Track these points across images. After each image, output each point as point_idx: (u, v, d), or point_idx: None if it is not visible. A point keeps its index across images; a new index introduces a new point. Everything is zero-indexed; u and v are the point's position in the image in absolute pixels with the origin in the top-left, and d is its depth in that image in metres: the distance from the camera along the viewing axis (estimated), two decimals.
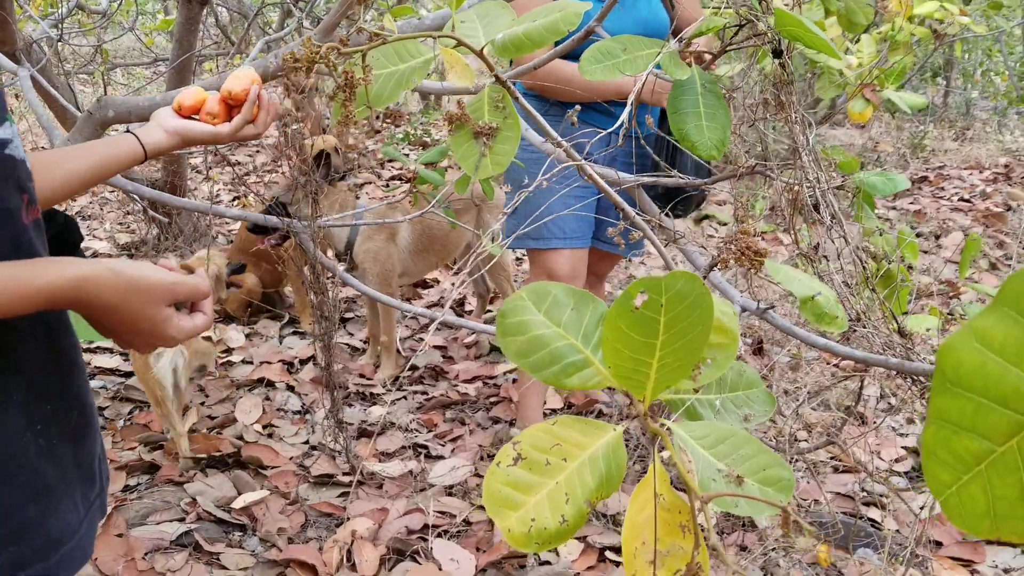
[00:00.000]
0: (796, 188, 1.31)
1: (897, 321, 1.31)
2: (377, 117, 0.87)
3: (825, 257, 1.30)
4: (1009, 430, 0.41)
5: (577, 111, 1.01)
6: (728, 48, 1.25)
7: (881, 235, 1.35)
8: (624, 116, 1.09)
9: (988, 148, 7.41)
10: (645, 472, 0.83)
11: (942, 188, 6.70)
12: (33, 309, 0.81)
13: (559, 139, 0.91)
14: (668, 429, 0.68)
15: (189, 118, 1.32)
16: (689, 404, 0.74)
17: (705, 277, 0.99)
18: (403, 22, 2.11)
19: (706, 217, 4.02)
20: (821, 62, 2.02)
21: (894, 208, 5.89)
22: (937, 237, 5.15)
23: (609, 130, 1.18)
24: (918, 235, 5.18)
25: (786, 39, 1.20)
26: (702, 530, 0.62)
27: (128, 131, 1.27)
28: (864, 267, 1.27)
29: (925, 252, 4.80)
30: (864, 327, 1.31)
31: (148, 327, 0.88)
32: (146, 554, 2.29)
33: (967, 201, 6.01)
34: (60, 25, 3.39)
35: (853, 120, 2.20)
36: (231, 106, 1.34)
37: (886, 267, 1.35)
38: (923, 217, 5.56)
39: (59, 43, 3.43)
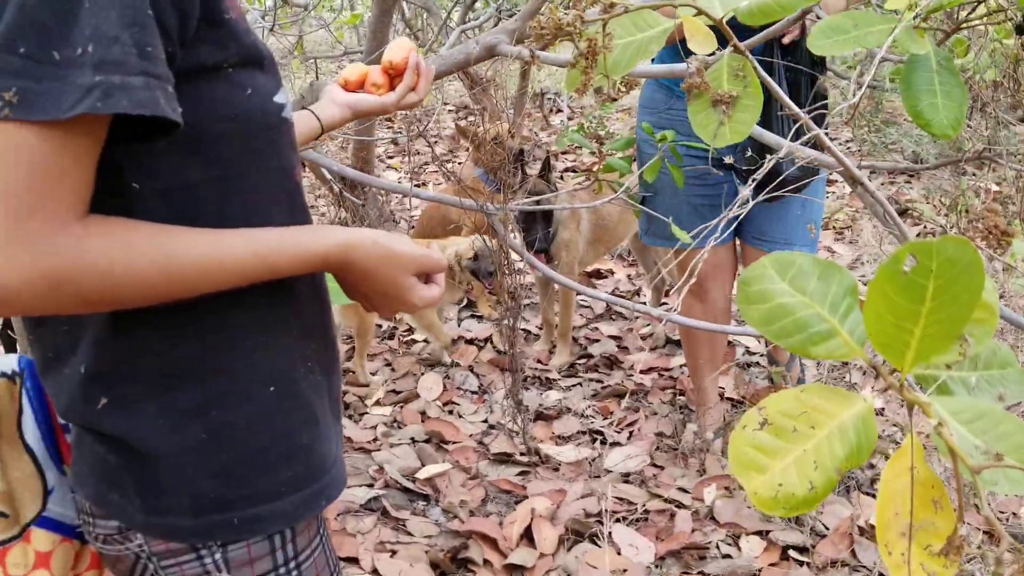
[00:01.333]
0: None
1: None
2: (614, 86, 0.88)
3: None
4: None
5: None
6: (963, 25, 1.20)
7: None
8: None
9: None
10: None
11: None
12: (311, 270, 0.91)
13: (798, 111, 0.90)
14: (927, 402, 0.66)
15: (356, 92, 1.42)
16: (942, 380, 0.71)
17: None
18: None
19: (904, 211, 3.84)
20: None
21: None
22: None
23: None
24: None
25: None
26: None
27: (304, 108, 1.37)
28: None
29: None
30: None
31: (395, 293, 0.97)
32: (338, 515, 2.41)
33: None
34: (273, 15, 3.59)
35: None
36: (392, 76, 1.42)
37: None
38: None
39: (270, 33, 3.64)
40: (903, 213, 3.93)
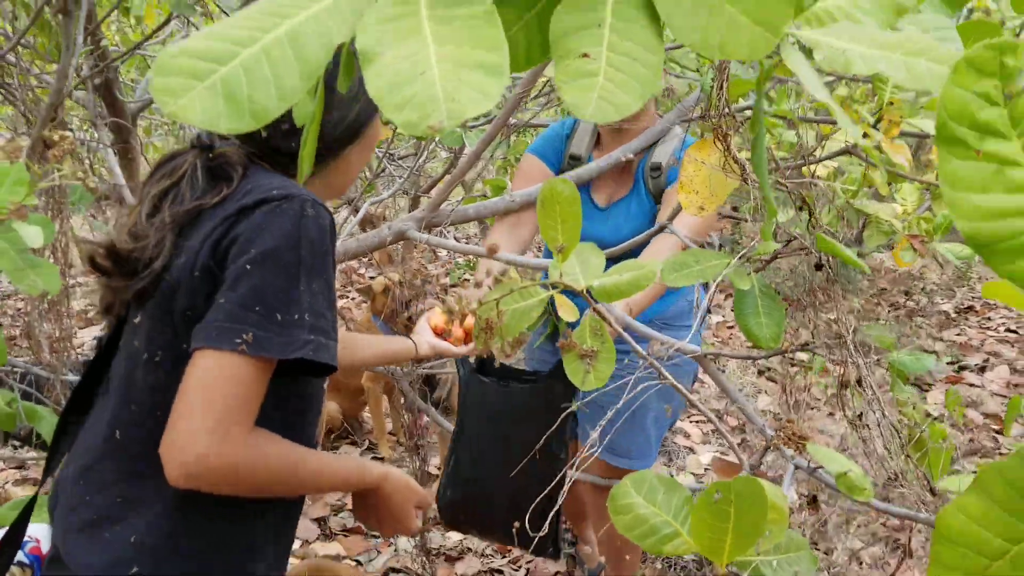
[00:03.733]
0: (842, 367, 1.57)
1: (929, 481, 1.54)
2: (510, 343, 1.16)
3: (867, 426, 1.55)
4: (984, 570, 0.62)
5: None
6: (777, 256, 1.54)
7: (913, 407, 1.60)
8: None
9: None
10: None
11: (988, 318, 6.81)
12: (360, 488, 1.28)
13: (655, 362, 1.19)
14: None
15: (439, 334, 1.89)
16: (754, 565, 0.99)
17: (760, 461, 1.24)
18: (498, 200, 2.42)
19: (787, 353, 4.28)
20: (871, 212, 2.27)
21: (940, 339, 6.03)
22: (983, 370, 5.26)
23: None
24: (962, 367, 5.30)
25: (826, 254, 1.48)
26: None
27: (409, 337, 1.87)
28: (899, 436, 1.51)
29: (972, 385, 4.95)
30: (902, 486, 1.55)
31: (400, 516, 1.33)
32: None
33: (1014, 332, 6.09)
34: None
35: (898, 265, 2.35)
36: (467, 332, 1.90)
37: (919, 434, 1.59)
38: (969, 349, 5.68)
39: None
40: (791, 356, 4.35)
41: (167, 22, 3.09)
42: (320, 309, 1.12)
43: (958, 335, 6.07)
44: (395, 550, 3.28)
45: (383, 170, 3.80)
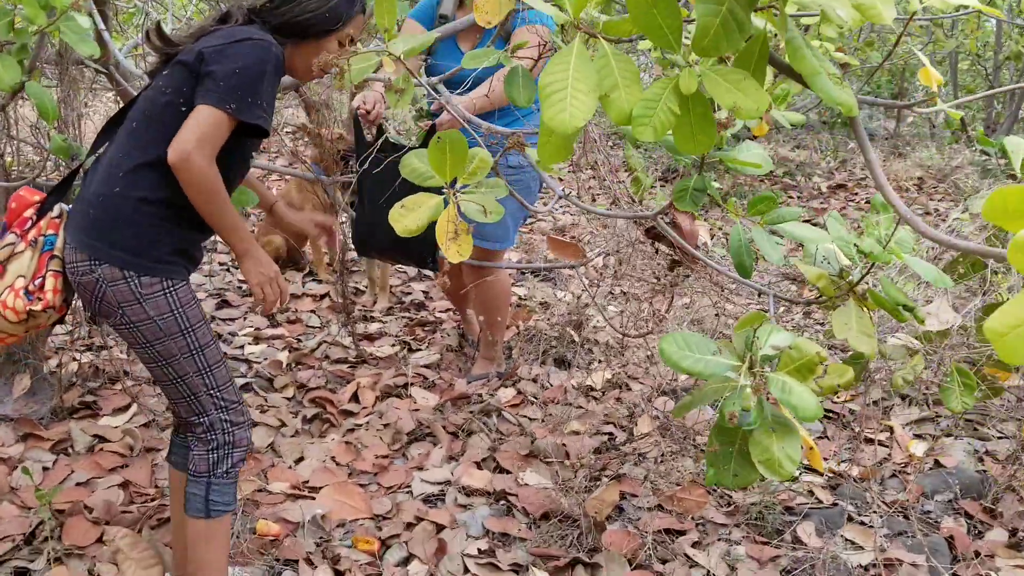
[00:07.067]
0: None
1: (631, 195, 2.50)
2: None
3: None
4: None
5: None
6: (539, 58, 2.44)
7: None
8: None
9: (906, 164, 8.48)
10: None
11: (855, 194, 7.86)
12: (238, 241, 2.10)
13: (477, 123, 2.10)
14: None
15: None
16: (469, 188, 1.92)
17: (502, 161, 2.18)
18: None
19: None
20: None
21: (806, 207, 7.04)
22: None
23: None
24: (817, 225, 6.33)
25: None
26: None
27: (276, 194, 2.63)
28: None
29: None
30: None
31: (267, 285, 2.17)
32: None
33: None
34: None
35: (756, 134, 2.49)
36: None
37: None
38: (823, 214, 6.71)
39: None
40: None
41: None
42: (268, 101, 2.01)
43: (821, 204, 7.10)
44: (328, 333, 4.24)
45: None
